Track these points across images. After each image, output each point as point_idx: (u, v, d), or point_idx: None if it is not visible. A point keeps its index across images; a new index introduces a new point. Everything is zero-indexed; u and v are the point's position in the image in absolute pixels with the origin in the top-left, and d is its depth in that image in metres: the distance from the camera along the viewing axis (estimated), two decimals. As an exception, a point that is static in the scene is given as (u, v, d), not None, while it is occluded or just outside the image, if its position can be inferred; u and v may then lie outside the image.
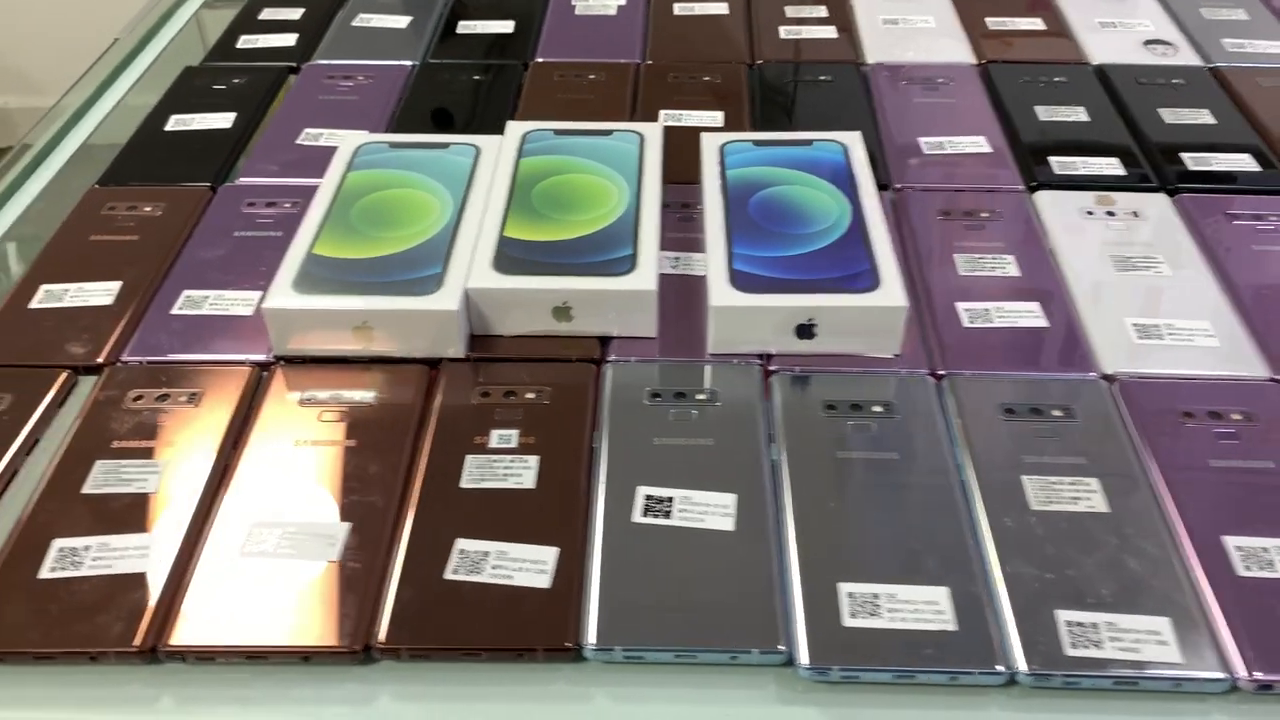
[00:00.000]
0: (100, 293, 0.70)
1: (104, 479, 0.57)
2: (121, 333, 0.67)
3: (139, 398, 0.62)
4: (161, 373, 0.64)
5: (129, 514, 0.55)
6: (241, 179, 0.81)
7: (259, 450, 0.59)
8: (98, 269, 0.72)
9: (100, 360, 0.65)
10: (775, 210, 0.70)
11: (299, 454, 0.59)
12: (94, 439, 0.60)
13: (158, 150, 0.84)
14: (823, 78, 0.92)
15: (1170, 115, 0.86)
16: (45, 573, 0.52)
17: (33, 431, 0.61)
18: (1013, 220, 0.76)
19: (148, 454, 0.58)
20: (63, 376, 0.64)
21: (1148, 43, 0.97)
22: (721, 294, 0.64)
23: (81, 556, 0.53)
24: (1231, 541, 0.53)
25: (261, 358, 0.65)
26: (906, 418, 0.61)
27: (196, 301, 0.69)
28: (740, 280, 0.65)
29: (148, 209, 0.77)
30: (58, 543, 0.54)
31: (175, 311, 0.68)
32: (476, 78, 0.94)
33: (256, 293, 0.69)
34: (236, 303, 0.68)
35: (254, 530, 0.54)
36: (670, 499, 0.56)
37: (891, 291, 0.63)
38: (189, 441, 0.59)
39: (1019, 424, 0.60)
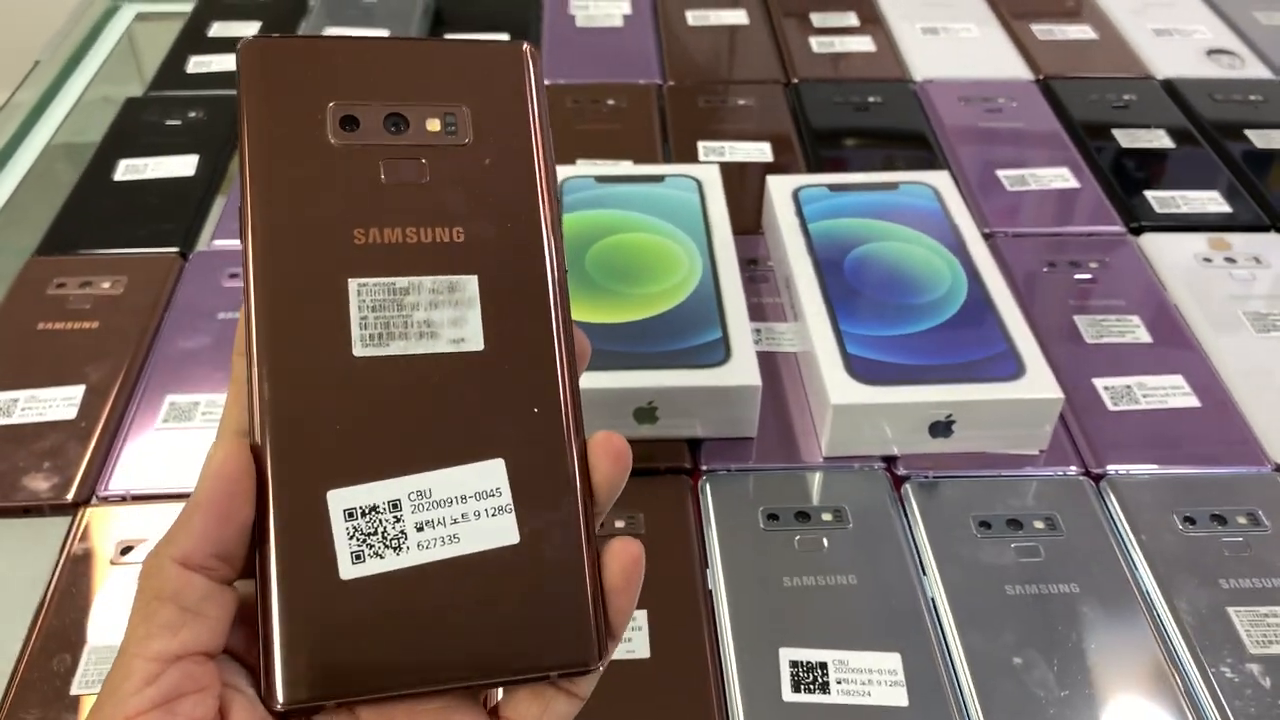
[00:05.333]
0: (60, 402, 0.56)
1: (97, 672, 0.44)
2: (93, 458, 0.53)
3: (127, 549, 0.49)
4: (153, 514, 0.51)
5: None
6: (216, 242, 0.67)
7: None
8: (52, 369, 0.58)
9: (70, 498, 0.51)
10: (878, 275, 0.60)
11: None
12: (75, 611, 0.47)
13: (108, 206, 0.70)
14: (872, 99, 0.82)
15: (1259, 138, 0.78)
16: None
17: None
18: (1124, 271, 0.67)
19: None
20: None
21: (1211, 52, 0.88)
22: (841, 388, 0.53)
23: (81, 794, 0.40)
24: None
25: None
26: (1073, 534, 0.51)
27: (184, 410, 0.56)
28: (859, 368, 0.54)
29: (105, 285, 0.63)
30: (46, 774, 0.41)
31: (160, 426, 0.55)
32: (476, 105, 0.81)
33: (260, 397, 0.56)
34: (236, 411, 0.55)
35: None
36: (824, 665, 0.45)
37: (1042, 379, 0.54)
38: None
39: (1202, 537, 0.51)
